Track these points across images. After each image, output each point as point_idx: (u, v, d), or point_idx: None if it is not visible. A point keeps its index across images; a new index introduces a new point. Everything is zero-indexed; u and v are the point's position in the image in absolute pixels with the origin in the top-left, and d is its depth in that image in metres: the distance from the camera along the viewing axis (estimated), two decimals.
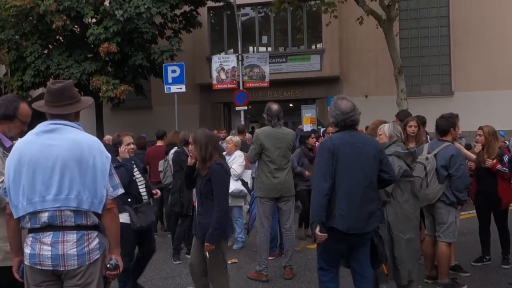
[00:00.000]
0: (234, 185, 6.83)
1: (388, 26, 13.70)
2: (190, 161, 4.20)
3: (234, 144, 7.24)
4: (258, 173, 5.48)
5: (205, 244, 3.90)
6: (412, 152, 4.37)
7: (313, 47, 18.51)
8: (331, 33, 17.03)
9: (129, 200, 4.67)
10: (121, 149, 4.83)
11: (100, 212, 2.61)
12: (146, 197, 4.91)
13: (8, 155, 2.79)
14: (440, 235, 4.87)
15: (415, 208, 4.36)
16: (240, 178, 6.84)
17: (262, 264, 5.47)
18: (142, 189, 4.91)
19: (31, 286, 2.60)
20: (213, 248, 3.90)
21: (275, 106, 5.61)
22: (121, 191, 2.75)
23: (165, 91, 13.21)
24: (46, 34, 15.08)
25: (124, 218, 4.50)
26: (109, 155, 2.71)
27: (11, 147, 2.87)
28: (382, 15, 13.74)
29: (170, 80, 12.98)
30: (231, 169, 6.89)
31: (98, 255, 2.63)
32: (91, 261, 2.59)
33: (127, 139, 4.88)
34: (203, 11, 17.53)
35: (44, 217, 2.54)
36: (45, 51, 15.38)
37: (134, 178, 4.79)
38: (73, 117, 2.73)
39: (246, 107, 14.93)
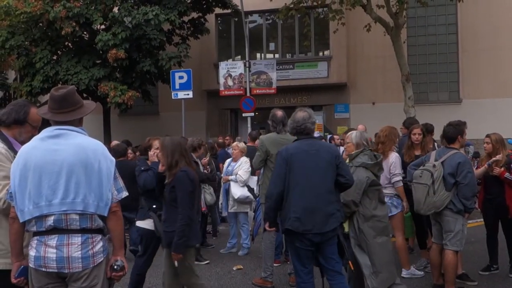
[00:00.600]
0: (240, 191, 6.84)
1: (395, 33, 13.68)
2: (160, 167, 4.18)
3: (240, 150, 7.23)
4: (263, 179, 5.48)
5: (172, 253, 3.93)
6: (379, 162, 4.48)
7: (321, 54, 18.52)
8: (338, 40, 17.04)
9: (154, 206, 4.44)
10: (151, 152, 4.75)
11: (106, 215, 2.66)
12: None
13: None
14: (447, 243, 4.83)
15: (384, 213, 4.55)
16: (246, 185, 6.84)
17: (267, 271, 5.45)
18: None
19: None
20: (181, 257, 3.90)
21: (279, 113, 5.64)
22: (125, 194, 2.81)
23: (173, 97, 13.26)
24: (55, 40, 15.23)
25: (148, 224, 4.42)
26: (113, 159, 2.78)
27: None
28: (390, 23, 13.74)
29: (177, 86, 13.02)
30: (237, 176, 6.90)
31: (102, 258, 2.67)
32: (95, 264, 2.63)
33: (157, 143, 4.73)
34: (211, 18, 17.63)
35: (50, 220, 2.58)
36: (54, 57, 15.51)
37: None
38: (77, 122, 2.77)
39: (253, 114, 14.95)
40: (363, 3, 13.48)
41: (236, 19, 17.99)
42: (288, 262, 5.88)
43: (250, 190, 6.84)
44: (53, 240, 2.58)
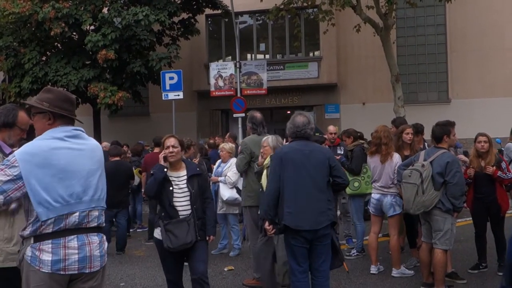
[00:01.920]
0: (229, 193, 6.83)
1: (385, 34, 13.77)
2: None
3: (227, 151, 7.20)
4: (248, 182, 5.43)
5: None
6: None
7: (311, 54, 18.58)
8: (328, 40, 17.12)
9: (163, 214, 4.17)
10: (160, 155, 4.28)
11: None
12: (186, 212, 4.13)
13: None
14: (437, 242, 4.87)
15: None
16: (235, 186, 6.83)
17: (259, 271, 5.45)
18: (181, 202, 4.14)
19: None
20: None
21: (258, 114, 5.65)
22: None
23: (163, 98, 13.24)
24: (45, 41, 15.13)
25: (157, 233, 4.22)
26: None
27: (11, 153, 2.89)
28: (380, 23, 13.82)
29: (168, 87, 13.00)
30: (226, 177, 6.89)
31: (106, 257, 2.79)
32: (105, 263, 2.75)
33: (168, 141, 4.26)
34: (201, 18, 17.61)
35: (75, 217, 2.59)
36: (43, 58, 15.41)
37: (170, 188, 4.13)
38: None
39: (244, 114, 14.94)
40: (352, 4, 13.55)
41: (227, 20, 17.99)
42: None
43: (239, 191, 6.84)
44: (73, 241, 2.57)
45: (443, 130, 5.05)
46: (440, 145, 5.01)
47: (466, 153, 11.01)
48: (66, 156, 2.61)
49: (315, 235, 3.98)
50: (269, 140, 4.99)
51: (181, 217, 4.09)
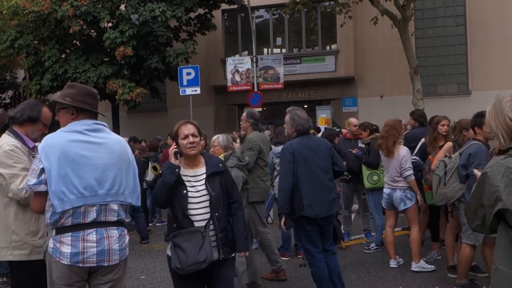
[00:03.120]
0: None
1: (403, 25, 13.59)
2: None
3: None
4: (253, 178, 5.28)
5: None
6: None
7: (328, 48, 18.46)
8: (345, 33, 16.98)
9: (175, 225, 3.18)
10: (171, 149, 3.27)
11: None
12: (205, 222, 3.13)
13: (33, 154, 2.89)
14: (462, 236, 4.81)
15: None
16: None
17: (277, 261, 5.47)
18: (198, 210, 3.16)
19: (62, 287, 2.61)
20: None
21: (256, 111, 5.71)
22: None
23: (180, 94, 13.31)
24: (64, 39, 15.34)
25: (169, 249, 3.22)
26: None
27: (34, 147, 2.98)
28: (397, 15, 13.65)
29: (185, 83, 13.06)
30: None
31: (128, 252, 2.83)
32: (125, 256, 2.79)
33: (185, 129, 3.24)
34: (217, 13, 17.63)
35: (92, 211, 2.63)
36: (63, 56, 15.63)
37: (184, 191, 3.14)
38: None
39: (261, 109, 14.95)
40: None
41: (243, 15, 17.97)
42: (299, 256, 5.90)
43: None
44: (92, 234, 2.62)
45: (474, 122, 4.82)
46: (475, 136, 4.78)
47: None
48: (83, 149, 2.65)
49: (326, 221, 4.37)
50: (219, 139, 4.84)
51: (196, 227, 3.11)
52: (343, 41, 17.42)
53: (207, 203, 3.16)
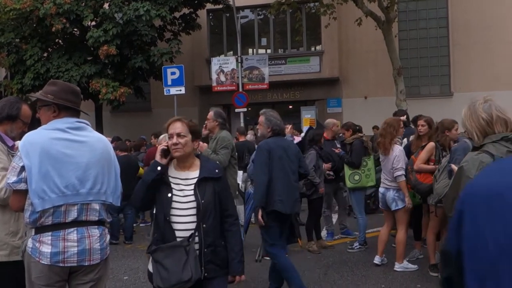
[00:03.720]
0: None
1: (387, 27, 13.73)
2: None
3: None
4: (226, 176, 5.36)
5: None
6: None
7: (312, 48, 18.55)
8: (330, 34, 17.07)
9: (156, 235, 2.87)
10: (159, 146, 2.94)
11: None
12: (189, 232, 2.73)
13: (13, 153, 2.84)
14: None
15: None
16: None
17: None
18: (183, 217, 2.76)
19: (42, 287, 2.56)
20: None
21: (222, 111, 5.79)
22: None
23: (165, 93, 13.24)
24: (46, 37, 15.13)
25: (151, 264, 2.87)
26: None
27: (13, 146, 2.93)
28: (381, 17, 13.78)
29: (169, 82, 12.99)
30: None
31: (109, 251, 2.80)
32: (106, 255, 2.75)
33: (172, 128, 2.88)
34: (202, 13, 17.57)
35: (73, 211, 2.59)
36: (45, 54, 15.42)
37: (169, 194, 2.76)
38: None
39: (245, 109, 14.95)
40: None
41: (228, 15, 17.95)
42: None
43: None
44: (72, 233, 2.58)
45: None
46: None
47: None
48: (65, 147, 2.62)
49: (288, 218, 4.68)
50: (160, 138, 5.00)
51: (178, 239, 2.71)
52: (328, 42, 17.52)
53: (194, 211, 2.75)
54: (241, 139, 8.86)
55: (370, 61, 17.21)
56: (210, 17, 19.23)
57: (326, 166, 6.81)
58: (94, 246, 2.63)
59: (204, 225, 2.75)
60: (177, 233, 2.73)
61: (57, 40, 15.72)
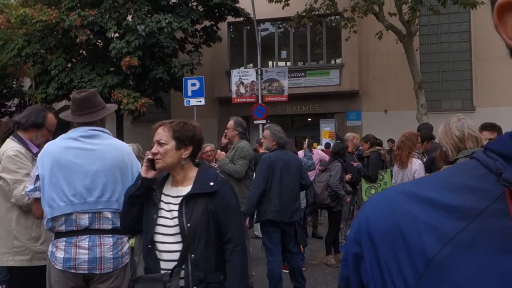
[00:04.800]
0: None
1: (408, 41, 13.65)
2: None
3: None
4: (241, 188, 5.18)
5: None
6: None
7: (332, 61, 18.53)
8: (350, 48, 17.05)
9: (138, 261, 2.76)
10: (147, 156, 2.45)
11: None
12: (172, 261, 2.19)
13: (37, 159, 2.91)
14: None
15: None
16: None
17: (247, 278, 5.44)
18: (169, 245, 2.22)
19: None
20: None
21: (242, 120, 5.63)
22: None
23: (185, 104, 13.34)
24: (70, 48, 15.46)
25: None
26: (139, 162, 2.85)
27: (37, 153, 3.00)
28: (402, 30, 13.71)
29: (189, 94, 13.09)
30: None
31: (128, 259, 2.76)
32: (123, 265, 2.71)
33: (155, 133, 2.49)
34: (223, 26, 17.75)
35: (84, 219, 2.61)
36: (69, 65, 15.74)
37: (154, 216, 2.25)
38: (99, 124, 2.84)
39: (265, 121, 14.95)
40: (375, 11, 13.48)
41: (248, 27, 18.09)
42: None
43: None
44: (84, 241, 2.61)
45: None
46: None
47: None
48: (75, 156, 2.66)
49: (287, 226, 4.95)
50: (134, 148, 4.89)
51: (162, 271, 2.19)
52: (348, 55, 17.49)
53: (179, 237, 2.20)
54: (261, 150, 8.85)
55: (390, 74, 17.10)
56: (231, 29, 19.41)
57: (347, 177, 6.78)
58: (106, 255, 2.62)
59: (193, 256, 2.15)
60: (162, 264, 2.19)
61: (81, 51, 16.04)
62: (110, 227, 2.66)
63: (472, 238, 0.55)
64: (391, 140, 11.30)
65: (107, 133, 2.83)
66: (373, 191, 6.56)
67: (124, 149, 2.85)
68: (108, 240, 2.64)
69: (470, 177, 0.59)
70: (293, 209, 4.93)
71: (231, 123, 5.42)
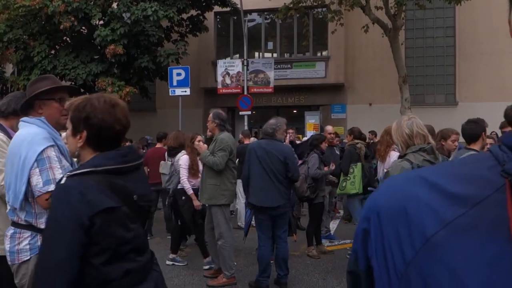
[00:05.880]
0: None
1: (393, 35, 13.74)
2: None
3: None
4: (222, 180, 5.33)
5: None
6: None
7: (319, 54, 18.57)
8: (336, 40, 17.10)
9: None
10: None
11: (17, 207, 2.51)
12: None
13: None
14: None
15: None
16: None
17: (230, 269, 5.47)
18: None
19: None
20: None
21: (223, 112, 5.68)
22: (52, 187, 2.35)
23: (170, 94, 13.27)
24: (54, 35, 15.22)
25: None
26: (38, 149, 2.46)
27: None
28: (388, 24, 13.79)
29: (175, 83, 13.02)
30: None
31: (28, 257, 2.52)
32: (19, 261, 2.53)
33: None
34: (210, 16, 17.64)
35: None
36: (52, 51, 15.51)
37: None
38: (34, 113, 2.71)
39: (250, 112, 14.98)
40: (362, 4, 13.53)
41: (235, 18, 18.01)
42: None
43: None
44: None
45: (480, 127, 4.31)
46: (473, 146, 4.28)
47: None
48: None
49: (276, 213, 5.18)
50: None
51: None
52: (334, 48, 17.54)
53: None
54: (246, 141, 8.89)
55: (375, 68, 17.22)
56: (218, 19, 19.29)
57: (331, 166, 6.81)
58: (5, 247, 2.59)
59: None
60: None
61: (64, 38, 15.80)
62: (11, 220, 2.64)
63: (469, 224, 0.59)
64: (372, 132, 11.38)
65: (26, 121, 2.68)
66: (344, 184, 6.63)
67: (17, 137, 2.62)
68: (8, 232, 2.62)
69: (479, 167, 0.64)
70: (272, 194, 5.09)
71: (210, 115, 5.51)
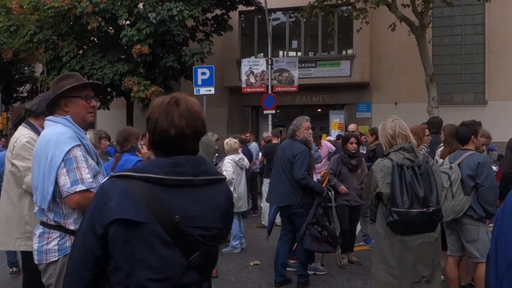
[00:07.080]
0: None
1: (420, 32, 13.51)
2: None
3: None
4: None
5: None
6: None
7: (344, 52, 18.40)
8: (362, 39, 16.92)
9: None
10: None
11: (45, 208, 2.50)
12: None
13: None
14: (478, 255, 4.29)
15: None
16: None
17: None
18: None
19: None
20: None
21: None
22: (80, 187, 2.41)
23: (195, 93, 13.35)
24: (82, 35, 15.52)
25: None
26: (65, 149, 2.45)
27: None
28: (415, 22, 13.57)
29: (199, 82, 13.10)
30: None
31: (56, 257, 2.51)
32: (47, 261, 2.52)
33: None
34: (234, 15, 17.69)
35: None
36: (80, 52, 15.82)
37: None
38: (60, 111, 2.65)
39: (274, 111, 14.96)
40: (388, 2, 13.35)
41: (260, 17, 18.01)
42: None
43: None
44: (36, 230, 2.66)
45: (471, 130, 4.55)
46: (467, 146, 4.52)
47: (501, 157, 10.71)
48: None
49: (286, 211, 5.31)
50: (91, 135, 4.68)
51: None
52: (359, 46, 17.36)
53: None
54: (275, 141, 8.97)
55: (402, 66, 16.96)
56: (242, 18, 19.33)
57: (341, 189, 6.45)
58: (34, 246, 2.61)
59: None
60: None
61: (92, 38, 16.10)
62: (40, 220, 2.63)
63: None
64: None
65: (50, 120, 2.64)
66: None
67: (42, 139, 2.59)
68: (37, 231, 2.60)
69: None
70: (281, 193, 5.27)
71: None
